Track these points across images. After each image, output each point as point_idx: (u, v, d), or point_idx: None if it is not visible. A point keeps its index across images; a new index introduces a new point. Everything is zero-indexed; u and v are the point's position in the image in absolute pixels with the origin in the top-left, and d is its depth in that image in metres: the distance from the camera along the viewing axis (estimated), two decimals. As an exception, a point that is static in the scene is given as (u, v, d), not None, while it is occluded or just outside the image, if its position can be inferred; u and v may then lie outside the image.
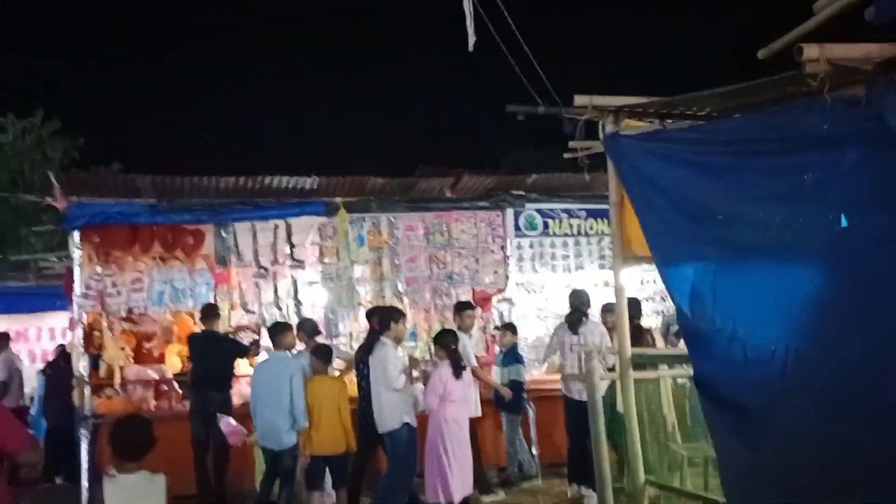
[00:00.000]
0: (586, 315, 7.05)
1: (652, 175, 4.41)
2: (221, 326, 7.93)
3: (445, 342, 6.06)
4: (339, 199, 8.52)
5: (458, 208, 8.96)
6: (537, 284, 9.61)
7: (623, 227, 5.01)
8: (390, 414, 6.06)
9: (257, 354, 8.06)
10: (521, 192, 9.07)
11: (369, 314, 7.11)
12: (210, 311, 7.69)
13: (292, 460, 6.27)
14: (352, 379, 6.89)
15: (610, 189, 5.03)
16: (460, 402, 5.97)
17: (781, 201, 3.45)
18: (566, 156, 5.43)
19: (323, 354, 6.57)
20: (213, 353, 7.43)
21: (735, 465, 3.63)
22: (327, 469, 6.33)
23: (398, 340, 6.43)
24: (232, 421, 7.21)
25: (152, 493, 3.47)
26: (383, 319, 6.37)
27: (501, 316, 9.31)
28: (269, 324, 8.71)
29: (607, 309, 8.13)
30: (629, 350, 4.91)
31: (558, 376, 8.14)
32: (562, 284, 9.77)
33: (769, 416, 3.37)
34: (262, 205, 8.38)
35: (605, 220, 9.43)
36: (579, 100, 4.88)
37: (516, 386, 7.55)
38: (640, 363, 5.00)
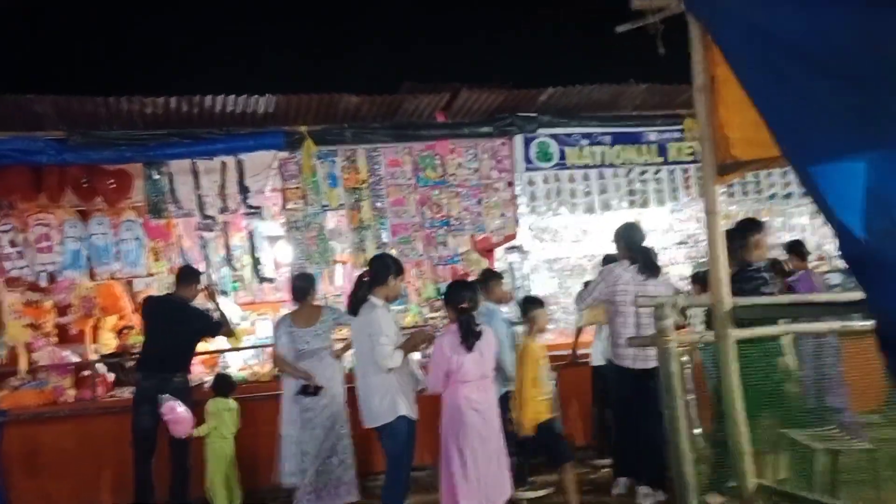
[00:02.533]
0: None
1: (777, 30, 3.03)
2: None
3: (456, 298, 4.67)
4: (303, 128, 7.10)
5: (454, 136, 7.59)
6: (553, 229, 8.31)
7: (716, 121, 3.68)
8: (382, 403, 4.71)
9: (231, 334, 6.70)
10: (533, 114, 7.68)
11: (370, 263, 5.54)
12: (188, 276, 6.30)
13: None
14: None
15: (693, 67, 3.71)
16: (479, 381, 4.62)
17: None
18: (620, 28, 4.05)
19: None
20: (179, 325, 6.08)
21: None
22: None
23: (389, 300, 5.04)
24: (179, 405, 5.95)
25: None
26: (378, 270, 4.98)
27: (511, 268, 8.01)
28: (220, 288, 7.39)
29: (794, 249, 6.74)
30: (728, 299, 3.61)
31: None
32: (582, 228, 8.51)
33: None
34: (203, 137, 6.94)
35: (636, 147, 8.15)
36: (649, -67, 3.52)
37: None
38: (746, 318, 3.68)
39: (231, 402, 6.26)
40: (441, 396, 4.69)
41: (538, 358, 5.21)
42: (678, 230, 9.72)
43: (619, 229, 5.89)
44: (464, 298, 4.66)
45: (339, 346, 6.10)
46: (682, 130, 8.06)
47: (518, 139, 7.75)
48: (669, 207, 8.90)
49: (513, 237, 8.07)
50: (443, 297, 4.83)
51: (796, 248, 6.47)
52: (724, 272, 3.64)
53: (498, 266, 8.69)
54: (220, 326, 6.40)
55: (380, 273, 4.93)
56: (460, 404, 4.52)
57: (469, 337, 4.58)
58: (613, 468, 5.99)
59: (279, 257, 8.01)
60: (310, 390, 5.82)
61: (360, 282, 5.05)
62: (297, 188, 7.21)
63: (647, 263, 5.61)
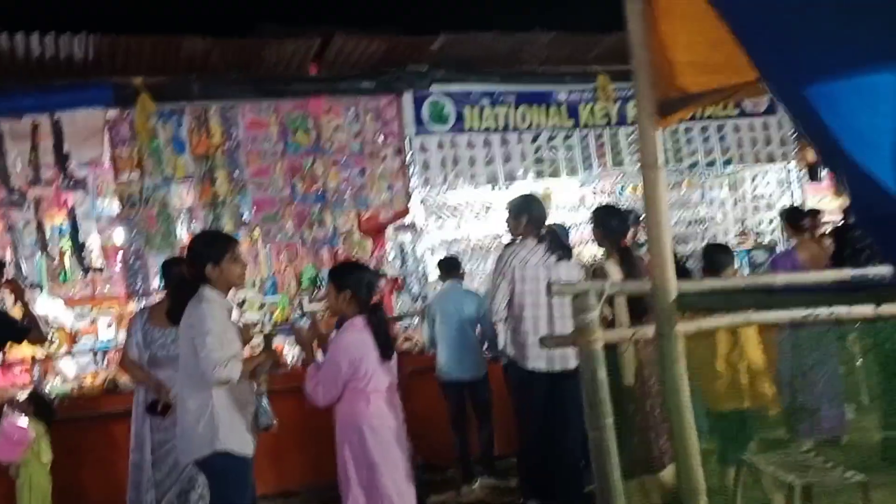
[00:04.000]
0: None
1: None
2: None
3: (360, 288, 3.69)
4: (137, 79, 5.91)
5: (329, 91, 6.55)
6: (450, 204, 7.39)
7: (656, 41, 2.78)
8: (196, 430, 3.57)
9: (42, 341, 5.45)
10: (424, 68, 6.74)
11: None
12: None
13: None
14: None
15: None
16: (390, 392, 3.70)
17: None
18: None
19: None
20: None
21: None
22: None
23: (229, 287, 3.87)
24: (21, 420, 4.89)
25: None
26: (193, 260, 3.83)
27: (402, 251, 7.05)
28: (31, 281, 6.14)
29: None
30: (674, 285, 2.74)
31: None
32: (484, 203, 7.63)
33: None
34: (7, 90, 5.65)
35: (544, 108, 7.31)
36: None
37: None
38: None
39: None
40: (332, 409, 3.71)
41: None
42: (590, 205, 9.00)
43: (518, 202, 4.94)
44: (372, 290, 3.70)
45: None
46: (595, 90, 7.25)
47: (407, 97, 6.81)
48: (580, 179, 8.16)
49: (404, 213, 7.11)
50: (332, 280, 3.76)
51: (792, 217, 5.98)
52: (667, 250, 2.77)
53: (388, 247, 7.74)
54: (25, 332, 5.17)
55: (194, 263, 3.79)
56: (373, 422, 3.56)
57: (388, 345, 3.69)
58: (522, 488, 5.16)
59: (109, 240, 6.78)
60: (157, 408, 4.74)
61: (180, 284, 3.95)
62: (130, 155, 6.02)
63: (558, 241, 4.77)
